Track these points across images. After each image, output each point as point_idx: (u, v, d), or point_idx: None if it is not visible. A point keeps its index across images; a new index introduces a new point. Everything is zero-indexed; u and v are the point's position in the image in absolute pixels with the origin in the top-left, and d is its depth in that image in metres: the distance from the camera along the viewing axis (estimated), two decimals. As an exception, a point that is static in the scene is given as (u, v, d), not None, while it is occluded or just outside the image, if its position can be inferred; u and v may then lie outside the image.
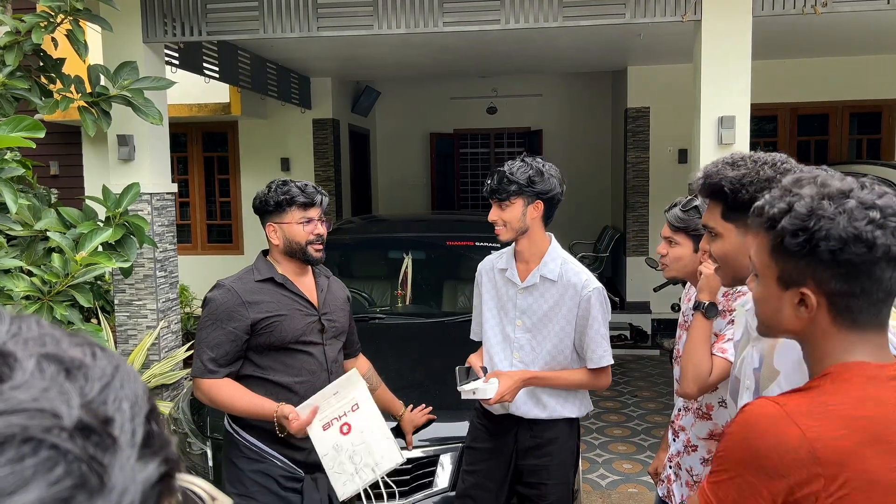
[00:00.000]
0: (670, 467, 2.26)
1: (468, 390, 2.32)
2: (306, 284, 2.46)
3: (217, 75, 5.77)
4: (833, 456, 1.00)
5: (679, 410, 2.23)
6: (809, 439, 1.00)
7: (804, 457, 1.00)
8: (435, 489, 2.81)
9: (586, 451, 4.72)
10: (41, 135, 3.04)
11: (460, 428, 2.80)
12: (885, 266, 1.04)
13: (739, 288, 2.14)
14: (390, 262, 4.57)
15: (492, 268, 2.55)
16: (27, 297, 3.02)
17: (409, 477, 2.81)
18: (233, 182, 8.30)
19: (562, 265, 2.41)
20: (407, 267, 4.46)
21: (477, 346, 2.65)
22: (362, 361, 2.76)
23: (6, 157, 2.94)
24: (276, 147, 8.10)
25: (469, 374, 2.42)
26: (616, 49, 6.80)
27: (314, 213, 2.39)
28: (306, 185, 2.42)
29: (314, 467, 2.39)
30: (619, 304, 7.98)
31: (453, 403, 2.92)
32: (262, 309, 2.33)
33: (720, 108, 4.06)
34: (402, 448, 2.76)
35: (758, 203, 1.16)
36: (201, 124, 8.05)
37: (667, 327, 7.44)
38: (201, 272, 7.66)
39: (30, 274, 3.31)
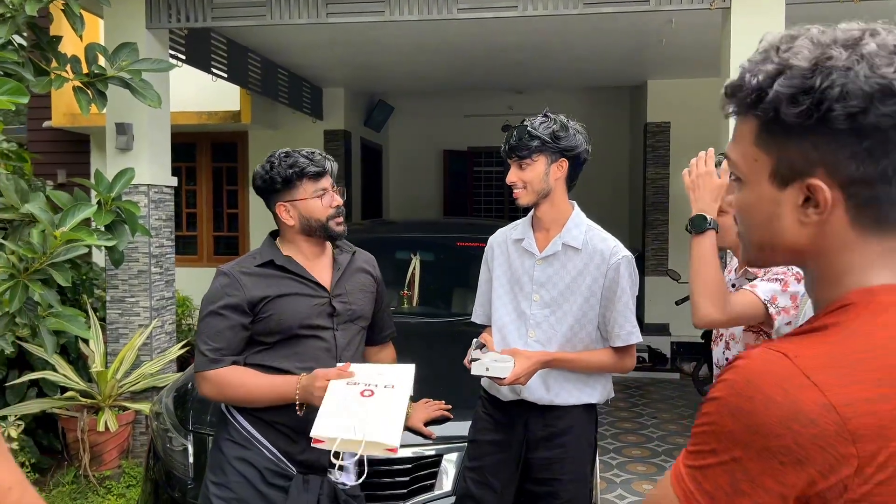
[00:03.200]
0: None
1: (481, 365, 2.05)
2: (320, 265, 2.24)
3: (225, 75, 5.61)
4: (870, 426, 0.69)
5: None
6: (835, 405, 0.69)
7: (829, 430, 0.68)
8: (436, 493, 2.51)
9: (603, 471, 4.40)
10: (25, 100, 2.85)
11: (467, 427, 2.52)
12: None
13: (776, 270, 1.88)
14: (398, 263, 4.32)
15: (504, 240, 2.31)
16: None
17: (408, 479, 2.52)
18: (241, 193, 8.13)
19: (587, 231, 2.18)
20: (414, 268, 4.23)
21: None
22: (388, 352, 2.51)
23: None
24: (286, 158, 7.94)
25: (483, 350, 2.15)
26: (636, 61, 6.60)
27: (327, 182, 2.17)
28: (312, 152, 2.19)
29: (309, 467, 2.14)
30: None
31: (459, 401, 2.65)
32: (259, 290, 2.13)
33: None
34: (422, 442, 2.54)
35: (729, 80, 0.83)
36: (211, 134, 7.91)
37: (686, 350, 7.10)
38: (206, 284, 7.42)
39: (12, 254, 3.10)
